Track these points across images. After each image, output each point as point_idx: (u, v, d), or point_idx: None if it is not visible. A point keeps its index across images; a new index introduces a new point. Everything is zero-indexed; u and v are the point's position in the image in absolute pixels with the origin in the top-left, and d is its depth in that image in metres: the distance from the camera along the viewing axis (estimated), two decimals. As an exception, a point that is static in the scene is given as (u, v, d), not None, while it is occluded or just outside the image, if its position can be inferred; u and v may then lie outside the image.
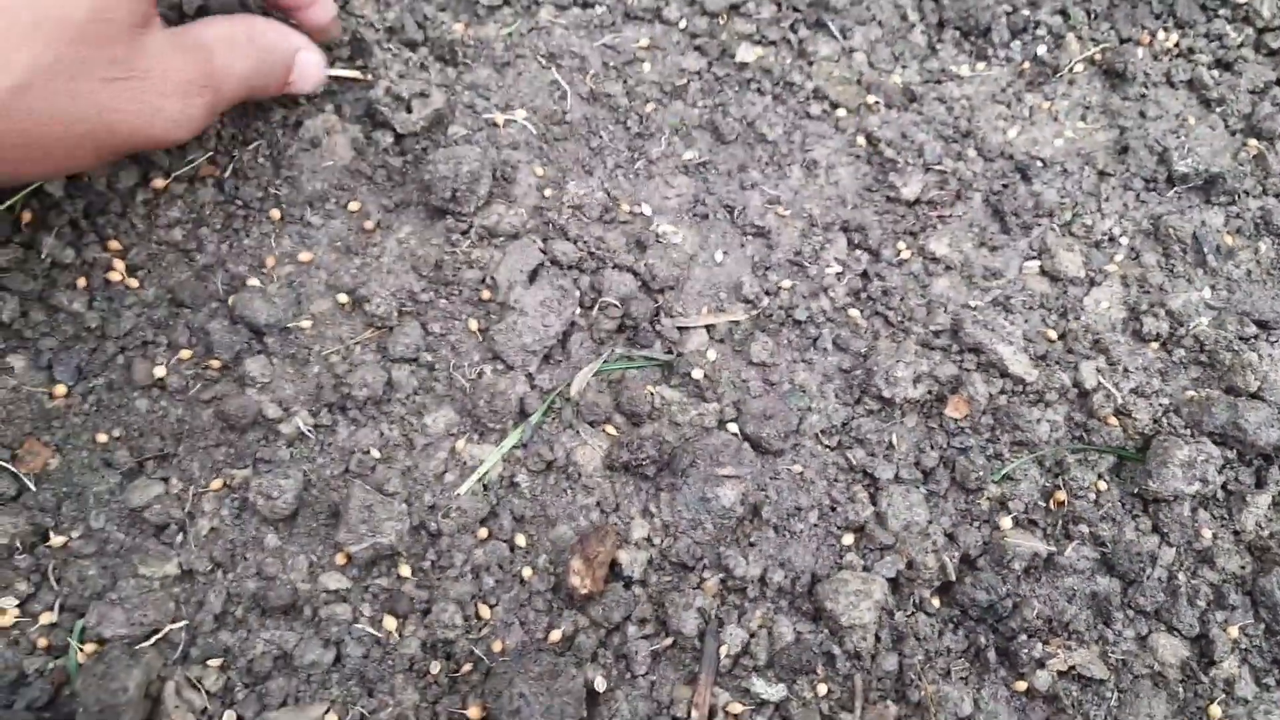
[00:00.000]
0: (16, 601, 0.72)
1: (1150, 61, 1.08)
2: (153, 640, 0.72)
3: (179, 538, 0.76)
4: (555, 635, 0.76)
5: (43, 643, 0.72)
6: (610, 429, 0.84)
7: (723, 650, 0.77)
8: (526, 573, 0.78)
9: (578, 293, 0.88)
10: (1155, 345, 0.93)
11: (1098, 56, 1.08)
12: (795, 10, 1.04)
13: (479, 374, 0.84)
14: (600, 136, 0.96)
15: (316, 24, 0.89)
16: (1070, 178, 1.01)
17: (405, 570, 0.76)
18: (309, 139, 0.90)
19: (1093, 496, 0.86)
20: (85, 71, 0.66)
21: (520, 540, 0.79)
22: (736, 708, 0.75)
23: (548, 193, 0.92)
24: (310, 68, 0.87)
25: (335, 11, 0.91)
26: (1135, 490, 0.86)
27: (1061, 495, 0.85)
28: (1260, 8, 1.10)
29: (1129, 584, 0.83)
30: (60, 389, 0.79)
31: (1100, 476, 0.87)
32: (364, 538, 0.75)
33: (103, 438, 0.78)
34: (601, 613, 0.77)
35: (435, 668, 0.74)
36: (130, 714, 0.68)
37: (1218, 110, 1.06)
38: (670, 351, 0.87)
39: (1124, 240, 0.98)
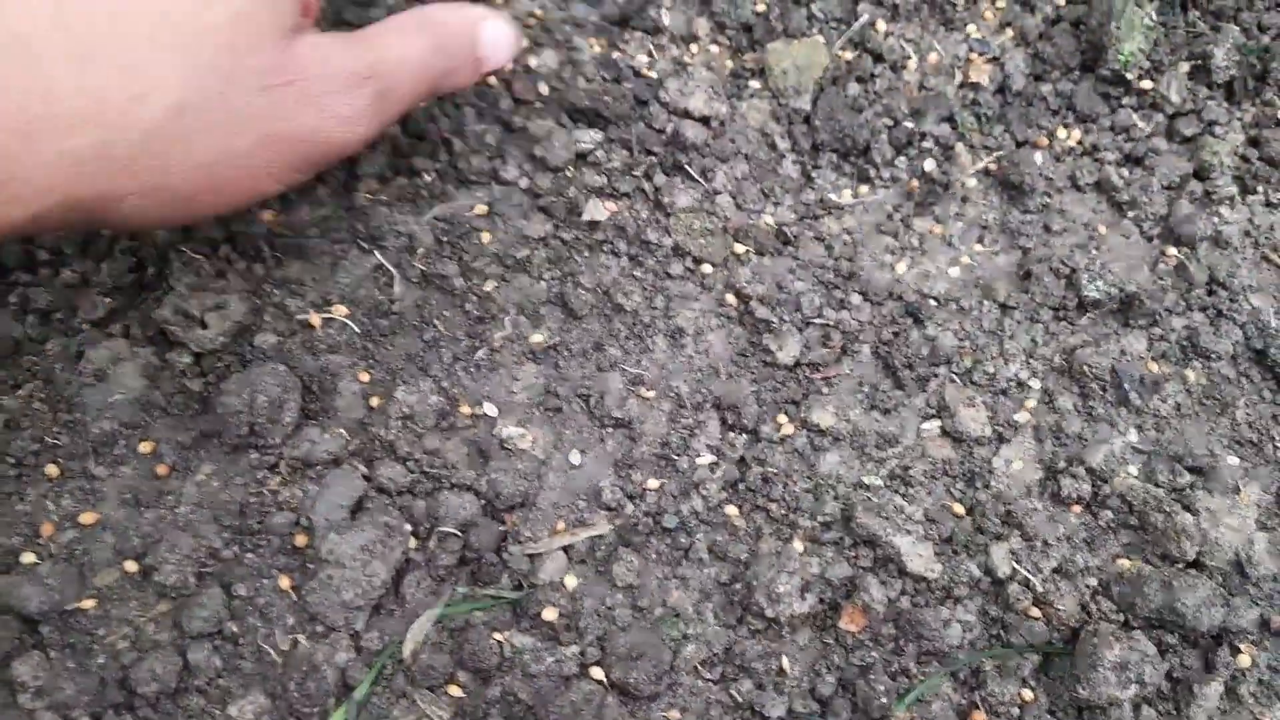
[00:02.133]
0: None
1: (1051, 165, 0.98)
2: None
3: None
4: None
5: None
6: (454, 689, 0.73)
7: None
8: None
9: (408, 526, 0.76)
10: (1077, 509, 0.82)
11: (992, 166, 0.97)
12: (650, 153, 0.93)
13: (293, 643, 0.72)
14: (434, 325, 0.85)
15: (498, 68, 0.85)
16: (968, 315, 0.90)
17: None
18: (93, 371, 0.79)
19: (1016, 710, 0.74)
20: (237, 83, 0.63)
21: None
22: None
23: (374, 402, 0.81)
24: (500, 36, 0.82)
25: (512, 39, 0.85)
26: (1066, 694, 0.75)
27: (980, 716, 0.74)
28: (1169, 92, 1.00)
29: (1067, 814, 0.72)
30: None
31: (1024, 683, 0.75)
32: None
33: None
34: None
35: None
36: None
37: (1130, 215, 0.96)
38: (520, 586, 0.76)
39: (1034, 383, 0.88)
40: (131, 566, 0.74)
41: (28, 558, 0.73)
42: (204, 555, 0.74)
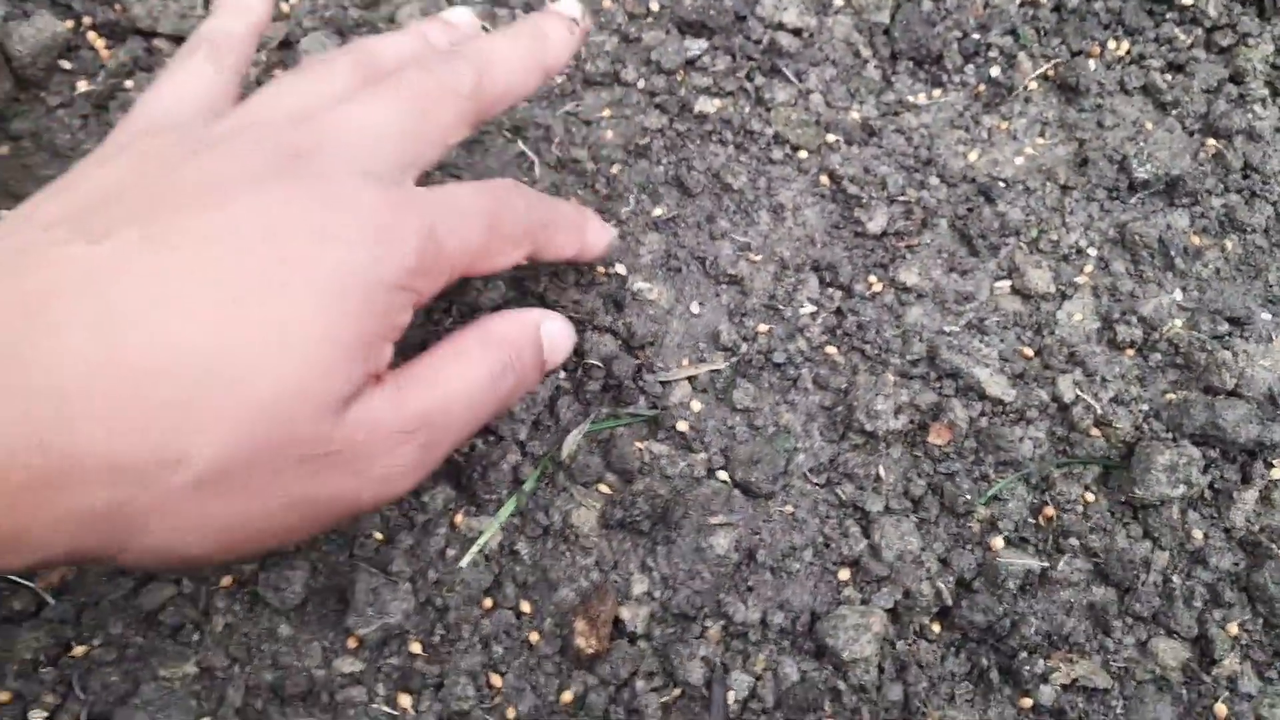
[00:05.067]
0: (45, 714, 0.74)
1: (1103, 72, 1.11)
2: (177, 740, 0.74)
3: (195, 636, 0.79)
4: (567, 696, 0.78)
5: (73, 752, 0.74)
6: (603, 487, 0.86)
7: (730, 696, 0.79)
8: (533, 638, 0.80)
9: (560, 358, 0.90)
10: (1131, 352, 0.95)
11: (1050, 72, 1.10)
12: (750, 59, 1.07)
13: (471, 447, 0.86)
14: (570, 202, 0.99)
15: (594, 260, 0.87)
16: (1033, 195, 1.03)
17: (415, 647, 0.79)
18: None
19: (1081, 509, 0.87)
20: (276, 454, 0.58)
21: (525, 607, 0.82)
22: (748, 752, 0.77)
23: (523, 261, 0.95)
24: (561, 335, 0.79)
25: (609, 235, 0.87)
26: (1123, 498, 0.88)
27: (1050, 510, 0.87)
28: (1207, 8, 1.13)
29: (1124, 591, 0.85)
30: (70, 502, 0.82)
31: (1087, 488, 0.88)
32: (372, 620, 0.77)
33: (114, 546, 0.81)
34: (609, 670, 0.79)
35: (451, 740, 0.76)
36: (161, 814, 0.71)
37: (1173, 113, 1.09)
38: (655, 406, 0.90)
39: (1091, 251, 1.00)
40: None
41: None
42: (392, 378, 0.88)
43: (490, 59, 0.77)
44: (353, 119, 0.68)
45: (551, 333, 0.78)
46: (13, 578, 0.79)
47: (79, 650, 0.77)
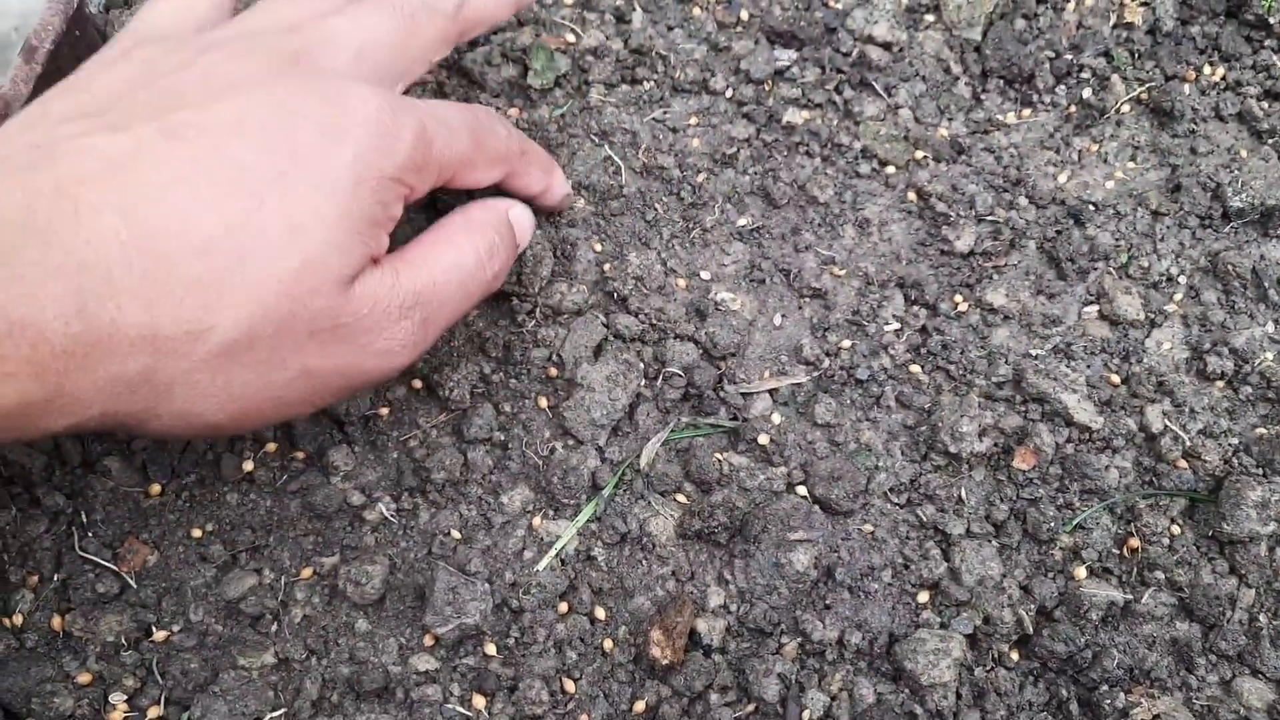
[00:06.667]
0: (125, 697, 0.75)
1: (1198, 97, 1.09)
2: (255, 729, 0.75)
3: (274, 627, 0.79)
4: (639, 706, 0.78)
5: (151, 735, 0.75)
6: (681, 497, 0.86)
7: (805, 715, 0.78)
8: (608, 645, 0.80)
9: (642, 365, 0.90)
10: (1220, 384, 0.93)
11: (1144, 96, 1.09)
12: (839, 71, 1.06)
13: (551, 450, 0.86)
14: (655, 209, 0.98)
15: (552, 207, 0.93)
16: (1124, 219, 1.01)
17: (491, 649, 0.79)
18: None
19: (1167, 541, 0.86)
20: (290, 327, 0.63)
21: (600, 613, 0.81)
22: (822, 772, 0.76)
23: (607, 267, 0.95)
24: (526, 223, 0.85)
25: (568, 188, 0.94)
26: (1210, 533, 0.86)
27: (1135, 542, 0.85)
28: (1306, 35, 1.10)
29: (1209, 628, 0.83)
30: (155, 487, 0.83)
31: (1173, 520, 0.86)
32: (450, 619, 0.77)
33: (197, 533, 0.82)
34: (683, 682, 0.78)
35: (525, 744, 0.76)
36: (237, 802, 0.71)
37: (1270, 142, 1.06)
38: (735, 418, 0.89)
39: (1182, 279, 0.99)
40: (417, 384, 0.88)
41: (331, 373, 0.88)
42: (476, 379, 0.88)
43: None
44: (346, 29, 0.74)
45: (519, 217, 0.84)
46: (98, 560, 0.79)
47: (160, 635, 0.78)
